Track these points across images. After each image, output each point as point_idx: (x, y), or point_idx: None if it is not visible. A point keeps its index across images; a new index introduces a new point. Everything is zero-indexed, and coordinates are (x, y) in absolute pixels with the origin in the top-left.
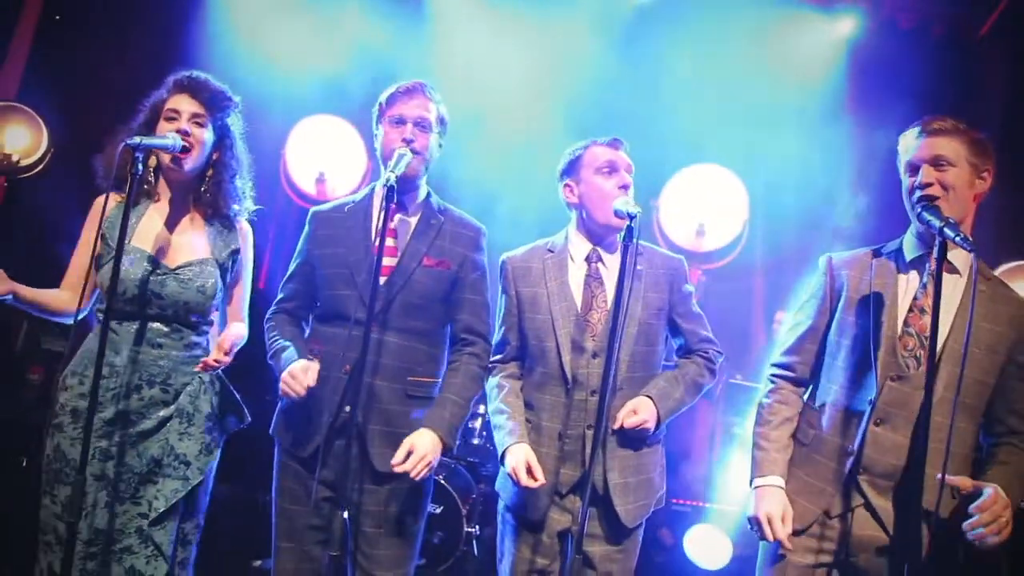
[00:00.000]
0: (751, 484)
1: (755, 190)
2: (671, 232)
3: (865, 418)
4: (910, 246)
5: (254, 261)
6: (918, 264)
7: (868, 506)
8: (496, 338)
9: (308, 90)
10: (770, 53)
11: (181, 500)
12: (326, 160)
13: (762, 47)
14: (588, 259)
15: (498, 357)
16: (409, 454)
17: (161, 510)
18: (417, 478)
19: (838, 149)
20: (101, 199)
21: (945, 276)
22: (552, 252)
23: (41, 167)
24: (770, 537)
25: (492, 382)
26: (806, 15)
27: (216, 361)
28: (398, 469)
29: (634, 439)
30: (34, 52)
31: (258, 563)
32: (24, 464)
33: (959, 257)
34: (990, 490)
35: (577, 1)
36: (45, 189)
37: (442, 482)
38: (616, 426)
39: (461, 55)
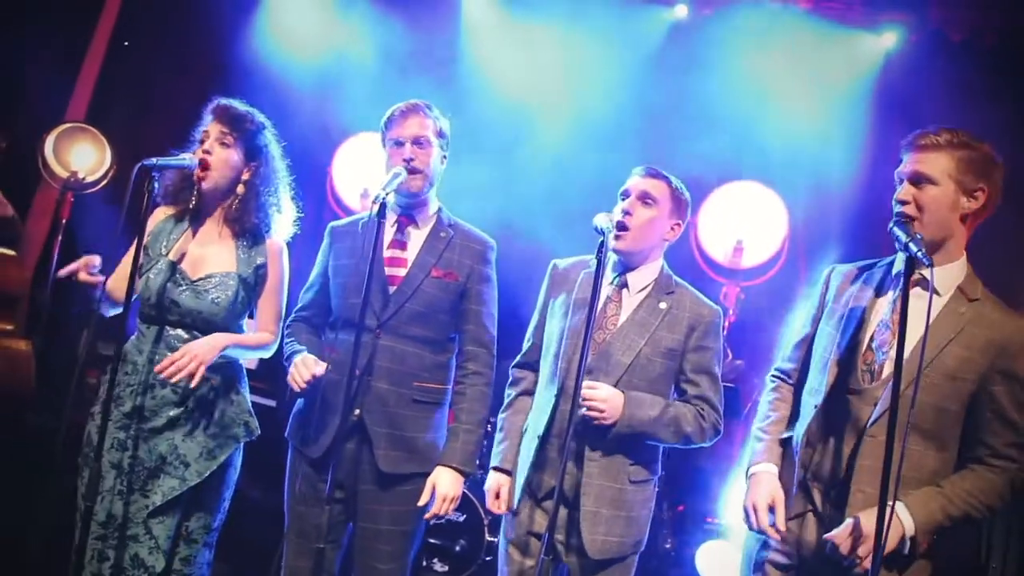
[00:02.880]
0: (746, 474)
1: (795, 207)
2: (709, 249)
3: (820, 428)
4: (900, 261)
5: (298, 274)
6: (898, 280)
7: (816, 512)
8: (526, 342)
9: (354, 108)
10: (809, 68)
11: (183, 498)
12: (370, 177)
13: (801, 63)
14: (614, 281)
15: (521, 360)
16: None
17: (158, 504)
18: (443, 514)
19: (881, 165)
20: (158, 212)
21: (919, 292)
22: (591, 267)
23: (104, 183)
24: (754, 527)
25: (508, 391)
26: (846, 32)
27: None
28: (428, 516)
29: (618, 469)
30: (102, 76)
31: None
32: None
33: (946, 276)
34: (847, 526)
35: (612, 18)
36: (107, 205)
37: (465, 491)
38: (581, 400)
39: (494, 73)
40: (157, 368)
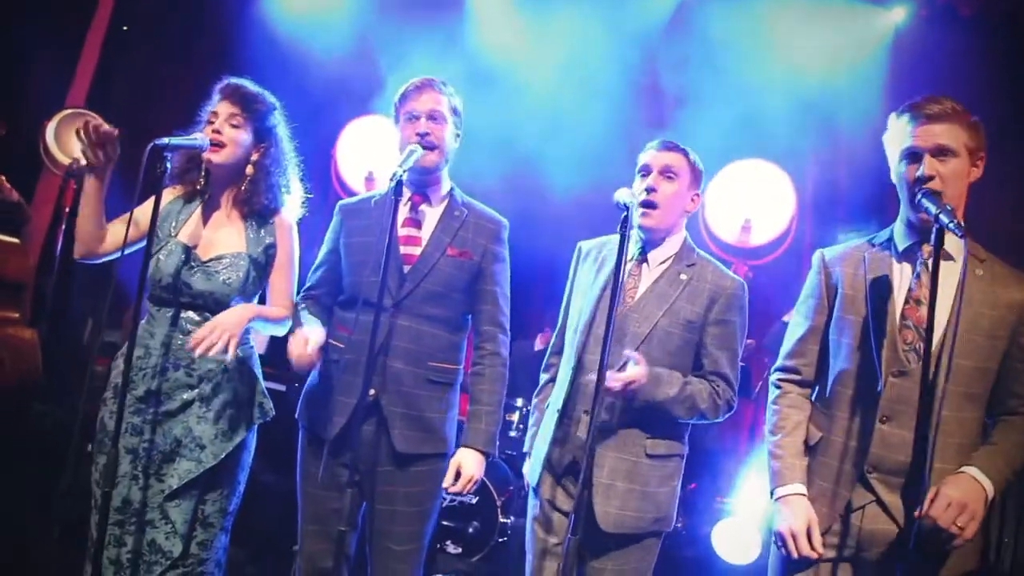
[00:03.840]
0: (772, 496)
1: (803, 185)
2: (716, 228)
3: (871, 416)
4: (901, 236)
5: (304, 256)
6: (910, 254)
7: (879, 502)
8: (558, 326)
9: (356, 92)
10: (816, 45)
11: (200, 481)
12: (375, 159)
13: (808, 40)
14: (635, 256)
15: (555, 344)
16: (458, 475)
17: (174, 487)
18: (465, 493)
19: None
20: (167, 192)
21: (941, 264)
22: (613, 244)
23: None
24: (795, 554)
25: (542, 376)
26: (855, 6)
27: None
28: (451, 491)
29: (634, 444)
30: (102, 61)
31: (298, 547)
32: (89, 450)
33: (952, 244)
34: (940, 499)
35: None
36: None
37: None
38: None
39: (500, 51)
40: (188, 347)
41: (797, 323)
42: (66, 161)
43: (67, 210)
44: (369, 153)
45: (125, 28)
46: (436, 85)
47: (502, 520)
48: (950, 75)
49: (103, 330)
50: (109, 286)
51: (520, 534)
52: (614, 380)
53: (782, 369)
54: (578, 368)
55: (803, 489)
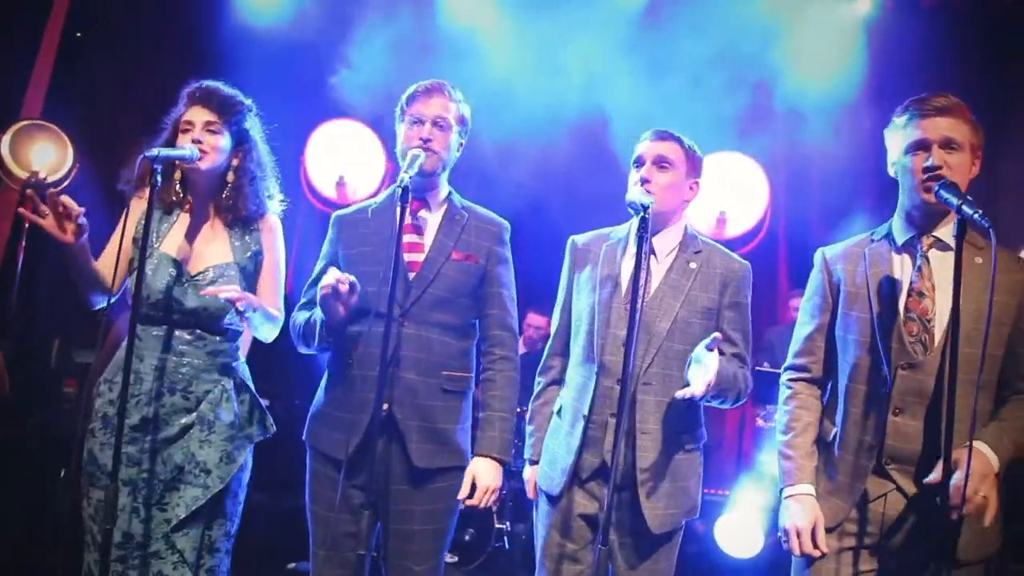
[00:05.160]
0: (781, 494)
1: (776, 177)
2: (692, 220)
3: (883, 409)
4: (899, 230)
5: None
6: (909, 247)
7: (899, 490)
8: (553, 324)
9: (325, 95)
10: (786, 36)
11: (205, 507)
12: (345, 164)
13: (778, 30)
14: (640, 250)
15: (552, 345)
16: (473, 486)
17: (182, 517)
18: (484, 507)
19: (859, 132)
20: (137, 202)
21: (940, 255)
22: (612, 239)
23: (67, 183)
24: (797, 551)
25: (538, 380)
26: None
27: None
28: (468, 504)
29: (670, 440)
30: (57, 69)
31: (292, 565)
32: (63, 475)
33: (950, 235)
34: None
35: None
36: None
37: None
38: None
39: (473, 48)
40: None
41: (803, 322)
42: (24, 175)
43: (26, 225)
44: (339, 158)
45: (79, 34)
46: (446, 90)
47: (497, 526)
48: (925, 66)
49: (71, 349)
50: (75, 303)
51: (516, 539)
52: (696, 389)
53: (792, 368)
54: (601, 371)
55: (811, 490)
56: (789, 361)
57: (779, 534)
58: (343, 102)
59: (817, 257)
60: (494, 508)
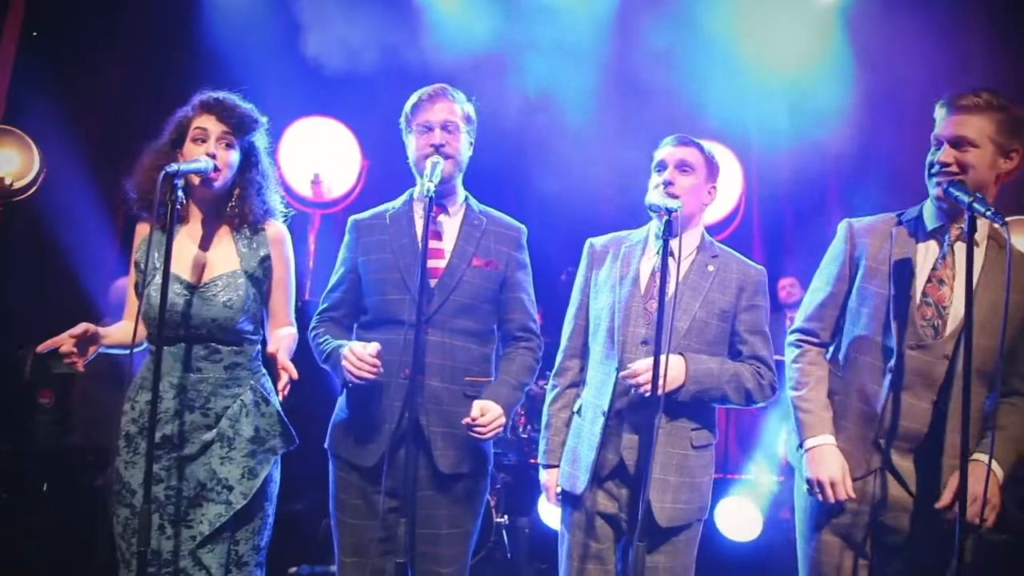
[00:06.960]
0: (801, 446)
1: (749, 163)
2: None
3: (887, 385)
4: (930, 216)
5: None
6: (938, 234)
7: (891, 468)
8: (566, 327)
9: (297, 92)
10: (758, 22)
11: (230, 523)
12: (320, 162)
13: (749, 17)
14: (659, 251)
15: (568, 346)
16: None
17: (206, 533)
18: (484, 437)
19: (834, 116)
20: (141, 227)
21: (965, 247)
22: (630, 241)
23: (34, 189)
24: (831, 499)
25: (553, 383)
26: None
27: (288, 381)
28: (476, 429)
29: (681, 437)
30: (17, 72)
31: (293, 570)
32: (44, 488)
33: (982, 227)
34: (952, 484)
35: None
36: (41, 209)
37: None
38: (627, 375)
39: (454, 41)
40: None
41: (818, 288)
42: None
43: None
44: (313, 155)
45: (35, 33)
46: (449, 94)
47: (496, 520)
48: (897, 48)
49: (50, 361)
50: (50, 312)
51: (516, 532)
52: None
53: (801, 331)
54: (621, 368)
55: (832, 440)
56: (799, 323)
57: (806, 486)
58: (316, 99)
59: (843, 227)
60: (493, 503)
